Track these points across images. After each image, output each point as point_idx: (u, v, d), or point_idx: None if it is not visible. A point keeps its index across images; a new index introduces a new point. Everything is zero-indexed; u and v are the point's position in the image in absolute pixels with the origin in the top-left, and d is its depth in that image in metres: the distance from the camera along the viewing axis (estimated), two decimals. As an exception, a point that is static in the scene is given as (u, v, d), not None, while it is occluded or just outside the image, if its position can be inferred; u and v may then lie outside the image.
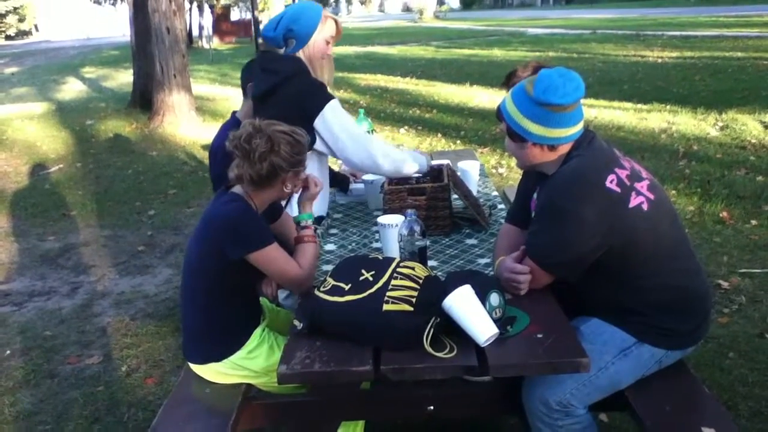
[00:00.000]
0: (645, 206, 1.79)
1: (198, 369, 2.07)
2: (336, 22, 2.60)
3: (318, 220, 2.60)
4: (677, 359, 1.95)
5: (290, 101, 2.44)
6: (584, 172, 1.78)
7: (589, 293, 1.93)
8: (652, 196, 1.82)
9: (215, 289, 1.97)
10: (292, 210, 2.37)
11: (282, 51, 2.54)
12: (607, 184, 1.75)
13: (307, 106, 2.43)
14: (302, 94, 2.46)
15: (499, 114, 1.94)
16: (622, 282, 1.85)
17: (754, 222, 4.46)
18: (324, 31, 2.55)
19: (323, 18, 2.54)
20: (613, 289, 1.87)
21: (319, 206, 2.60)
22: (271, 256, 1.91)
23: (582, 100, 1.87)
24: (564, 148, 1.87)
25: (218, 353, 2.02)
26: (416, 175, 2.64)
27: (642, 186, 1.82)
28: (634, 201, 1.78)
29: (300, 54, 2.53)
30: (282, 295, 2.44)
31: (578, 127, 1.85)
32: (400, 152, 2.58)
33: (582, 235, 1.75)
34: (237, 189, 1.98)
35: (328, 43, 2.58)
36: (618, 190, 1.76)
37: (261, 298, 2.27)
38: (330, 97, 2.46)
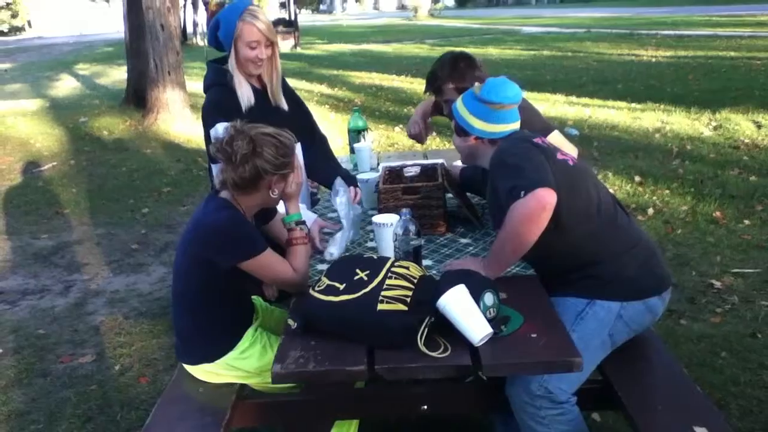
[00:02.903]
0: (570, 162, 2.06)
1: (191, 369, 2.06)
2: (256, 26, 2.42)
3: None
4: (645, 318, 2.03)
5: (201, 115, 2.51)
6: (514, 138, 2.10)
7: (537, 271, 2.08)
8: (576, 162, 2.10)
9: (206, 293, 1.96)
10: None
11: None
12: (536, 141, 2.07)
13: (203, 123, 2.46)
14: (202, 110, 2.50)
15: (449, 112, 2.28)
16: (557, 242, 1.95)
17: (747, 222, 4.48)
18: (243, 37, 2.43)
19: (240, 23, 2.41)
20: (556, 256, 2.00)
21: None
22: (263, 263, 1.89)
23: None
24: (498, 143, 2.14)
25: (210, 354, 2.01)
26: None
27: (566, 154, 2.11)
28: (560, 156, 2.05)
29: (229, 62, 2.48)
30: None
31: (513, 126, 2.14)
32: None
33: (535, 155, 1.96)
34: (225, 194, 1.95)
35: (253, 48, 2.44)
36: (545, 145, 2.07)
37: (253, 297, 2.26)
38: (215, 120, 2.37)
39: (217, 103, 2.48)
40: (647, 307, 2.01)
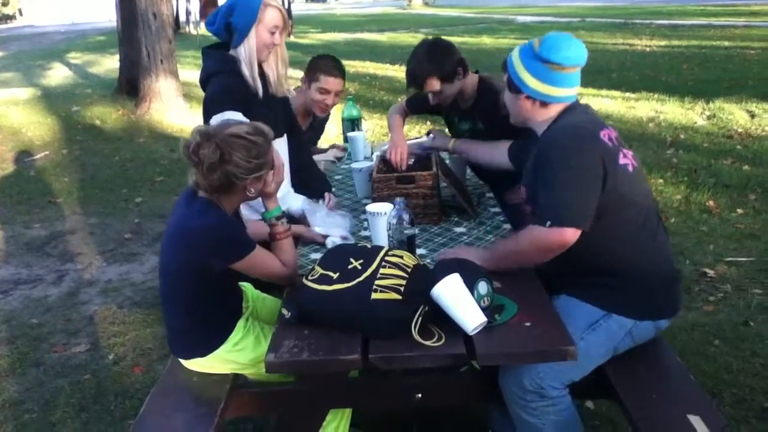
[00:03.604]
0: (630, 168, 1.90)
1: (185, 363, 2.05)
2: (280, 10, 2.42)
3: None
4: (650, 335, 1.99)
5: (204, 103, 2.42)
6: (578, 124, 1.89)
7: (560, 263, 1.92)
8: (635, 163, 1.93)
9: (197, 293, 1.93)
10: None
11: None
12: (601, 135, 1.86)
13: (208, 111, 2.37)
14: (209, 99, 2.41)
15: (504, 64, 2.03)
16: (595, 245, 1.87)
17: (740, 211, 4.49)
18: (265, 21, 2.39)
19: (263, 7, 2.37)
20: (584, 255, 1.88)
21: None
22: (255, 261, 1.87)
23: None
24: (555, 109, 1.96)
25: (203, 348, 2.00)
26: None
27: (627, 152, 1.93)
28: (622, 159, 1.88)
29: (242, 47, 2.39)
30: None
31: (572, 92, 1.95)
32: None
33: (589, 177, 1.81)
34: (204, 192, 1.87)
35: (273, 33, 2.42)
36: (609, 144, 1.87)
37: (244, 285, 2.24)
38: (222, 109, 2.31)
39: (228, 90, 2.39)
40: (655, 326, 1.98)
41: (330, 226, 2.37)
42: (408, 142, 2.81)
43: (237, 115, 2.27)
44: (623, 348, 1.95)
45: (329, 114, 3.34)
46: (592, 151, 1.82)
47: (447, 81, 2.60)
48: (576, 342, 1.82)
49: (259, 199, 2.00)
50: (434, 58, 2.58)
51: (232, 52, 2.43)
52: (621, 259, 1.92)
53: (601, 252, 1.90)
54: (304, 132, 3.17)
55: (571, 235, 1.80)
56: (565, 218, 1.80)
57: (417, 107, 2.99)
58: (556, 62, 1.88)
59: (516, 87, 1.97)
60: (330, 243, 2.29)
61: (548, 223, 1.80)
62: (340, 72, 3.04)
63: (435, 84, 2.60)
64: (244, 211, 2.21)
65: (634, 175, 1.90)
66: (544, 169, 1.86)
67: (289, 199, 2.51)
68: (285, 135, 2.58)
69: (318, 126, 3.41)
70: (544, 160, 1.87)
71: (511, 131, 2.63)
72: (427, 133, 2.81)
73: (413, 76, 2.63)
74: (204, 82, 2.49)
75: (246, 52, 2.40)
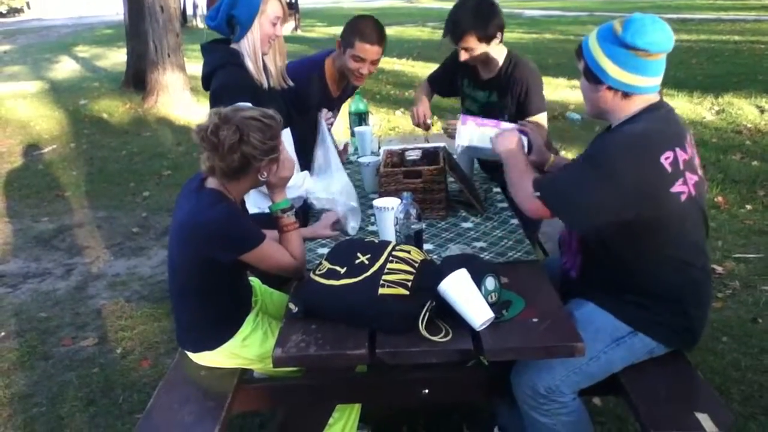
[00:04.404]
0: (683, 197, 1.74)
1: (193, 356, 2.05)
2: (280, 0, 2.41)
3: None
4: (666, 351, 1.94)
5: (212, 96, 2.40)
6: (647, 137, 1.72)
7: (595, 271, 1.88)
8: (693, 193, 1.77)
9: (207, 286, 1.93)
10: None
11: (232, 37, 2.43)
12: (662, 159, 1.69)
13: (218, 101, 2.32)
14: (217, 91, 2.39)
15: (579, 50, 1.84)
16: (633, 263, 1.81)
17: (748, 207, 4.47)
18: (267, 12, 2.39)
19: None
20: (621, 270, 1.84)
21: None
22: (264, 254, 1.87)
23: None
24: (637, 101, 1.79)
25: (211, 343, 2.00)
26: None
27: (691, 178, 1.77)
28: (677, 187, 1.73)
29: (245, 40, 2.39)
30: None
31: (656, 81, 1.78)
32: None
33: (612, 195, 1.69)
34: (212, 183, 1.88)
35: (274, 24, 2.41)
36: (669, 169, 1.70)
37: (252, 279, 2.25)
38: (233, 99, 2.24)
39: (236, 81, 2.38)
40: (671, 350, 1.95)
41: (328, 193, 2.39)
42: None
43: (247, 106, 2.26)
44: (638, 361, 1.91)
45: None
46: (641, 166, 1.69)
47: (485, 41, 2.57)
48: (598, 355, 1.83)
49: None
50: (480, 15, 2.52)
51: (234, 45, 2.43)
52: (666, 286, 1.84)
53: (645, 274, 1.83)
54: (336, 99, 3.09)
55: (543, 213, 1.84)
56: (554, 204, 1.82)
57: (440, 86, 3.02)
58: (642, 48, 1.70)
59: (595, 77, 1.78)
60: (351, 230, 2.35)
61: (537, 194, 1.84)
62: (379, 37, 2.77)
63: (473, 41, 2.55)
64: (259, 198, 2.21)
65: (685, 203, 1.75)
66: (585, 156, 1.82)
67: (306, 182, 2.50)
68: (288, 127, 2.57)
69: (350, 91, 3.27)
70: (592, 150, 1.81)
71: (519, 109, 2.71)
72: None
73: (454, 27, 2.57)
74: (207, 77, 2.47)
75: (250, 44, 2.40)
